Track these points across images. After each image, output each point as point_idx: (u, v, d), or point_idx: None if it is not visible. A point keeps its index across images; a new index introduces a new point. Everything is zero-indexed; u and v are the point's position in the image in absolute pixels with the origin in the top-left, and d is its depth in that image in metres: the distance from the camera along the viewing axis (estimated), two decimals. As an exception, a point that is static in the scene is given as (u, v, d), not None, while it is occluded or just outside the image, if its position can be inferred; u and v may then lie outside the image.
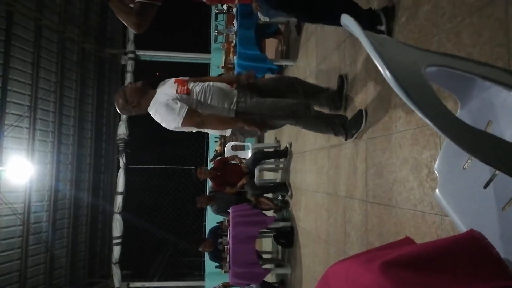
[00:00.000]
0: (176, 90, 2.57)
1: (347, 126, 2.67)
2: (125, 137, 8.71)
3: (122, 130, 8.73)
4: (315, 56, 3.87)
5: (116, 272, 8.68)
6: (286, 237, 4.87)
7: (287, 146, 5.04)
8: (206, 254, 6.27)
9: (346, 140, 2.75)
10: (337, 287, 0.76)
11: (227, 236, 5.00)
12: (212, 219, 7.79)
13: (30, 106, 6.88)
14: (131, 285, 9.01)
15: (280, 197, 5.50)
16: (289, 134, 5.05)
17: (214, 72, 7.70)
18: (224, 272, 5.46)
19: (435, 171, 1.05)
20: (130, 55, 9.32)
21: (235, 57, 5.13)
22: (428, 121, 0.56)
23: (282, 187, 5.07)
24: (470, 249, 0.66)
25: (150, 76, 11.79)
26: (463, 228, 0.95)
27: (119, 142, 8.85)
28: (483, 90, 0.88)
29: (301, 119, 2.63)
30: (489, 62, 1.38)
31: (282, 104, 2.60)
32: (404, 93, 0.54)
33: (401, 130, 2.09)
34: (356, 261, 0.74)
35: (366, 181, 2.50)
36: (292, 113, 2.60)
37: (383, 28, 2.20)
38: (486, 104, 0.89)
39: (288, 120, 2.70)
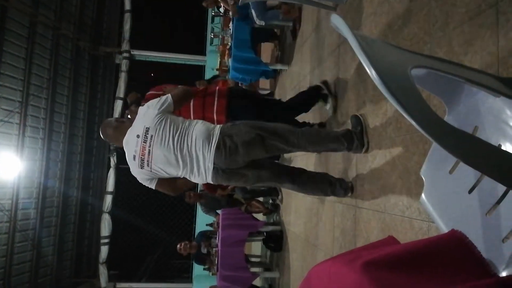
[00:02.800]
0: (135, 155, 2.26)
1: (357, 137, 2.37)
2: (117, 136, 8.64)
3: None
4: (309, 61, 3.89)
5: (103, 272, 8.58)
6: (275, 241, 4.87)
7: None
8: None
9: (364, 151, 2.40)
10: (319, 285, 0.76)
11: (216, 238, 4.98)
12: (201, 221, 7.75)
13: (21, 102, 6.80)
14: (118, 285, 8.92)
15: (270, 201, 5.50)
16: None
17: (209, 73, 7.69)
18: (212, 274, 5.43)
19: (422, 175, 1.05)
20: (125, 54, 9.28)
21: (230, 60, 5.14)
22: (411, 121, 0.56)
23: (273, 191, 5.07)
24: (452, 248, 0.66)
25: (145, 77, 11.75)
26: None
27: (110, 141, 8.78)
28: (470, 96, 0.89)
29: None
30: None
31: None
32: (389, 92, 0.55)
33: (391, 136, 2.10)
34: (339, 260, 0.74)
35: (356, 186, 2.51)
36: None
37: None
38: (473, 110, 0.89)
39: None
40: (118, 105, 8.84)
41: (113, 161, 8.76)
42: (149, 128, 2.20)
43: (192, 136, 2.20)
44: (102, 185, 9.07)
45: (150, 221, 11.48)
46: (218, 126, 2.29)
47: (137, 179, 2.37)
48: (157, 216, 11.50)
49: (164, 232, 11.40)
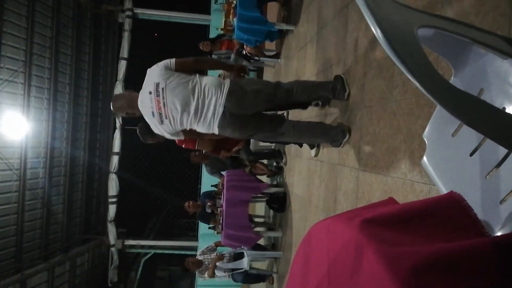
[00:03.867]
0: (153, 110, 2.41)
1: (339, 84, 2.72)
2: (122, 97, 8.61)
3: (118, 90, 8.63)
4: (316, 22, 3.79)
5: (111, 229, 8.86)
6: (279, 202, 4.96)
7: (284, 114, 5.04)
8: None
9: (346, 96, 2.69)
10: (319, 243, 0.78)
11: (220, 199, 5.08)
12: (207, 182, 7.88)
13: (25, 61, 6.75)
14: (126, 242, 9.23)
15: (274, 164, 5.55)
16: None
17: (214, 33, 7.52)
18: (217, 233, 5.60)
19: (424, 138, 1.06)
20: (128, 13, 9.05)
21: (235, 19, 5.01)
22: (414, 81, 0.56)
23: (277, 154, 5.11)
24: (449, 209, 0.68)
25: (148, 37, 11.54)
26: (446, 194, 0.97)
27: (115, 102, 8.77)
28: (477, 58, 0.87)
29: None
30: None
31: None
32: (393, 52, 0.54)
33: (397, 100, 2.08)
34: (339, 219, 0.76)
35: (359, 149, 2.53)
36: None
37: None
38: (479, 72, 0.88)
39: None
40: (122, 65, 8.75)
41: (118, 122, 8.79)
42: (159, 83, 2.34)
43: (203, 84, 2.38)
44: (109, 146, 9.16)
45: (157, 181, 11.70)
46: (228, 79, 2.49)
47: (163, 135, 2.55)
48: (164, 177, 11.70)
49: (170, 192, 11.64)
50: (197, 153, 5.19)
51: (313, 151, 3.54)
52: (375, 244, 0.58)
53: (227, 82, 2.42)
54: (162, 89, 2.33)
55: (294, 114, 4.20)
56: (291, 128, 2.68)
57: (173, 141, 3.57)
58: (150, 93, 2.36)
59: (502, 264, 0.58)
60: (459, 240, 0.59)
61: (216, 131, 2.48)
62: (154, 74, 2.39)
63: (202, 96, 2.35)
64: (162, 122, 2.41)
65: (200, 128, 2.49)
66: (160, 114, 2.37)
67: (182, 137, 2.62)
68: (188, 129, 2.52)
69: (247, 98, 2.41)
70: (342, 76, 2.78)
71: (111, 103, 2.59)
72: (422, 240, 0.65)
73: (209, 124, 2.44)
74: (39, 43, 7.10)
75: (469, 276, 0.56)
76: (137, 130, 3.26)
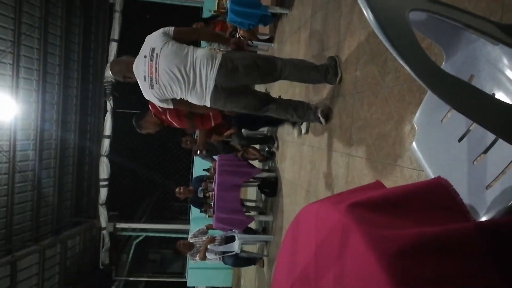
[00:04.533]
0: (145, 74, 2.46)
1: (331, 68, 2.72)
2: (113, 80, 8.49)
3: (109, 72, 8.50)
4: (310, 5, 3.75)
5: (102, 212, 8.87)
6: (270, 187, 4.99)
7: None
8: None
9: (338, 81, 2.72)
10: (307, 225, 0.79)
11: (212, 183, 5.09)
12: (199, 166, 7.88)
13: (13, 41, 6.60)
14: (118, 225, 9.26)
15: (266, 149, 5.56)
16: (279, 87, 5.01)
17: (206, 15, 7.41)
18: (209, 217, 5.63)
19: (414, 124, 1.06)
20: (119, -7, 8.87)
21: (228, 2, 4.93)
22: (404, 64, 0.56)
23: (269, 139, 5.11)
24: (436, 194, 0.69)
25: (140, 18, 11.32)
26: (434, 179, 0.98)
27: (106, 84, 8.65)
28: (468, 44, 0.87)
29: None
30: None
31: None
32: (384, 35, 0.53)
33: (389, 86, 2.08)
34: (326, 202, 0.77)
35: (351, 135, 2.54)
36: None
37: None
38: (470, 58, 0.88)
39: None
40: (113, 47, 8.60)
41: (109, 105, 8.70)
42: (154, 48, 2.39)
43: (195, 55, 2.40)
44: (100, 128, 9.08)
45: (148, 165, 11.67)
46: (220, 52, 2.50)
47: (152, 101, 2.61)
48: (155, 160, 11.67)
49: (162, 176, 11.63)
50: (189, 139, 5.17)
51: (303, 127, 3.52)
52: (361, 227, 0.58)
53: (219, 56, 2.43)
54: (157, 54, 2.37)
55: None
56: (278, 106, 2.80)
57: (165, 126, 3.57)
58: (145, 57, 2.41)
59: (485, 248, 0.59)
60: (444, 225, 0.60)
61: (208, 104, 2.53)
62: (152, 39, 2.44)
63: (192, 68, 2.38)
64: (152, 87, 2.45)
65: (193, 99, 2.52)
66: (151, 78, 2.41)
67: (171, 106, 2.62)
68: (179, 98, 2.55)
69: (237, 72, 2.43)
70: (336, 57, 2.76)
71: (110, 66, 2.70)
72: (408, 224, 0.65)
73: (201, 97, 2.48)
74: (28, 23, 6.94)
75: (454, 259, 0.57)
76: (133, 119, 3.31)
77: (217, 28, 5.74)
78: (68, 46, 8.16)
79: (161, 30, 2.47)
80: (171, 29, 2.46)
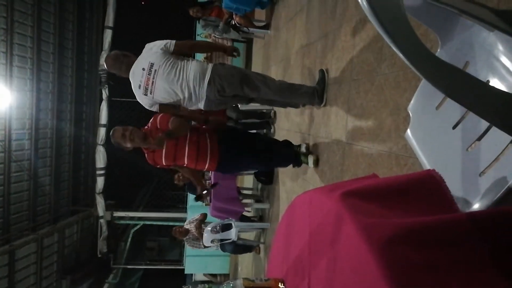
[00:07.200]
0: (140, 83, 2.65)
1: (318, 95, 2.86)
2: (108, 68, 8.41)
3: (104, 60, 8.42)
4: (306, -9, 3.70)
5: (100, 201, 8.87)
6: (267, 175, 5.00)
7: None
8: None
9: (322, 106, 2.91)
10: (301, 213, 0.79)
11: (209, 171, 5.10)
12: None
13: (6, 29, 6.51)
14: (115, 214, 9.28)
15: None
16: (276, 73, 4.98)
17: (201, 0, 7.32)
18: (206, 205, 5.65)
19: (409, 111, 1.06)
20: (113, -21, 8.71)
21: (223, -12, 4.86)
22: (398, 52, 0.55)
23: (266, 124, 5.09)
24: (428, 187, 0.69)
25: (135, 4, 11.17)
26: (428, 167, 0.98)
27: (101, 73, 8.56)
28: (464, 30, 0.86)
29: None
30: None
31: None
32: (377, 21, 0.53)
33: (385, 73, 2.08)
34: (321, 190, 0.77)
35: (347, 122, 2.53)
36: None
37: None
38: (465, 45, 0.87)
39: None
40: (108, 34, 8.48)
41: (105, 93, 8.62)
42: (153, 64, 2.58)
43: (187, 72, 2.60)
44: (95, 117, 9.03)
45: (145, 153, 11.62)
46: (211, 65, 2.68)
47: (142, 104, 2.78)
48: (152, 149, 11.61)
49: (159, 165, 11.59)
50: (180, 176, 5.11)
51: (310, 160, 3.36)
52: (354, 215, 0.58)
53: (209, 70, 2.62)
54: (155, 70, 2.58)
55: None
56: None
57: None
58: (143, 69, 2.60)
59: (477, 238, 0.59)
60: (435, 215, 0.60)
61: (202, 108, 2.74)
62: (152, 53, 2.60)
63: (186, 85, 2.61)
64: (145, 94, 2.65)
65: (188, 106, 2.74)
66: (146, 89, 2.63)
67: (157, 110, 2.78)
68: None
69: (224, 92, 2.65)
70: (325, 73, 2.88)
71: (107, 61, 2.79)
72: (399, 214, 0.66)
73: (195, 104, 2.71)
74: (21, 10, 6.83)
75: (445, 248, 0.57)
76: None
77: (214, 13, 5.68)
78: (62, 33, 8.05)
79: (162, 45, 2.60)
80: (172, 44, 2.61)
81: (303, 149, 3.29)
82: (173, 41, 2.63)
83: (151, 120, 2.91)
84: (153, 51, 2.60)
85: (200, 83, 2.59)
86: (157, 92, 2.62)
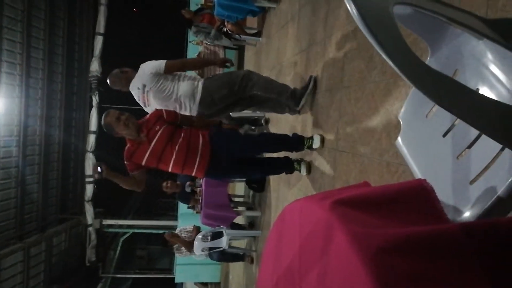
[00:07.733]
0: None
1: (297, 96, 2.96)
2: (98, 74, 8.36)
3: (95, 66, 8.37)
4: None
5: (88, 209, 8.75)
6: (258, 183, 4.98)
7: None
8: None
9: (298, 110, 3.04)
10: (291, 222, 0.78)
11: (200, 178, 5.06)
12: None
13: (-6, 35, 6.46)
14: (104, 222, 9.16)
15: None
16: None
17: (194, 8, 7.34)
18: (196, 213, 5.60)
19: (399, 119, 1.06)
20: (104, -14, 8.71)
21: (215, -5, 4.88)
22: (387, 59, 0.55)
23: (257, 122, 5.09)
24: (418, 198, 0.68)
25: (126, 11, 11.15)
26: (419, 176, 0.98)
27: (91, 79, 8.51)
28: (453, 38, 0.87)
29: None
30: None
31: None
32: (367, 29, 0.52)
33: (375, 80, 2.09)
34: (312, 199, 0.76)
35: (338, 129, 2.54)
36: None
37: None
38: (454, 53, 0.88)
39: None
40: (99, 41, 8.45)
41: (95, 100, 8.56)
42: (145, 85, 2.83)
43: (179, 93, 2.82)
44: (85, 124, 8.95)
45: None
46: (201, 83, 2.86)
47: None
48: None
49: (149, 172, 11.51)
50: (168, 184, 5.11)
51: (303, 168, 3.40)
52: (344, 224, 0.58)
53: (199, 90, 2.83)
54: (147, 91, 2.84)
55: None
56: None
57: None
58: (138, 88, 2.86)
59: (470, 249, 0.59)
60: (426, 226, 0.60)
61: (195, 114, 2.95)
62: (145, 74, 2.81)
63: (178, 101, 2.85)
64: (145, 106, 2.97)
65: (184, 113, 2.92)
66: (144, 103, 2.94)
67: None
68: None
69: (215, 104, 2.89)
70: (312, 80, 2.94)
71: (111, 77, 2.93)
72: (390, 224, 0.65)
73: (189, 113, 2.92)
74: (10, 16, 6.78)
75: (437, 259, 0.56)
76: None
77: (205, 20, 5.69)
78: (52, 39, 8.00)
79: (153, 67, 2.79)
80: (162, 66, 2.79)
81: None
82: (163, 63, 2.80)
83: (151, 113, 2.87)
84: (145, 73, 2.80)
85: (191, 101, 2.85)
86: (153, 107, 2.88)
